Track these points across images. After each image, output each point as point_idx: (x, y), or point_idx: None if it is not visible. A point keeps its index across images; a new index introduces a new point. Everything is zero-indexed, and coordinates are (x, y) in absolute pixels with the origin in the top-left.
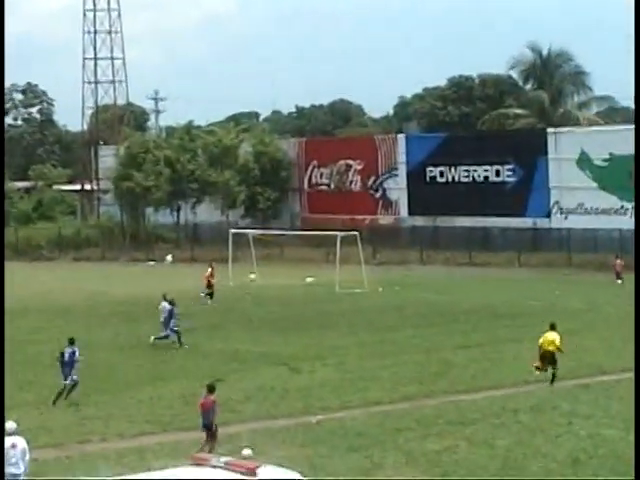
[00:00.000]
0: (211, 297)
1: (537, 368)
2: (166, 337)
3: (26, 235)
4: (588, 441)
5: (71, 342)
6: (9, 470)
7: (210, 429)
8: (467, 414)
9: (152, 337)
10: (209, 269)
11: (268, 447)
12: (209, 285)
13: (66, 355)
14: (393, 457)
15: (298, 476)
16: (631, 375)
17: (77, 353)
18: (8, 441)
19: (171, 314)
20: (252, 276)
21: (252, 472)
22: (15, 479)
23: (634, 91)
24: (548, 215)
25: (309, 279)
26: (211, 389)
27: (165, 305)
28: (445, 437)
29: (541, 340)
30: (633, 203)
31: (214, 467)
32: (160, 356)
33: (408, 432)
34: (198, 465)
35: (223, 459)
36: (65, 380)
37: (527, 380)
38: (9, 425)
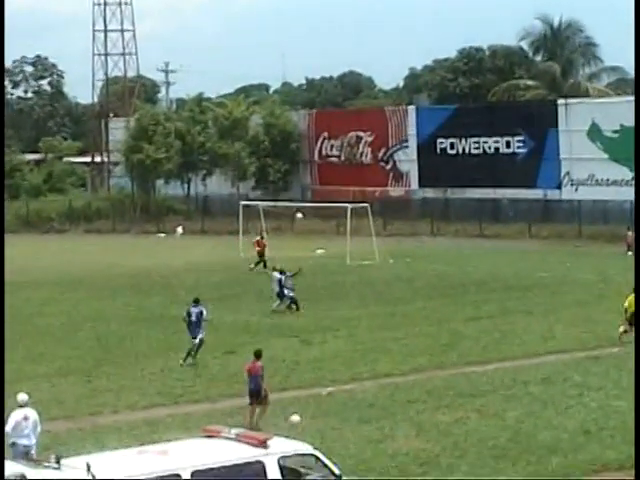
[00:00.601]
0: (265, 266)
1: (624, 332)
2: (286, 302)
3: (37, 207)
4: (599, 412)
5: (196, 302)
6: (21, 442)
7: (259, 394)
8: (478, 386)
9: (273, 305)
10: (258, 238)
11: (279, 419)
12: (261, 254)
13: (193, 315)
14: (404, 428)
15: (309, 448)
16: None
17: (204, 312)
18: (20, 413)
19: (280, 282)
20: (319, 251)
21: (263, 444)
22: (27, 451)
23: (634, 70)
24: (559, 186)
25: (320, 251)
26: (258, 355)
27: (275, 274)
28: (456, 409)
29: (626, 303)
30: None
31: (226, 439)
32: (171, 328)
33: (419, 404)
34: (210, 437)
35: (234, 431)
36: (194, 339)
37: (538, 352)
38: (21, 397)
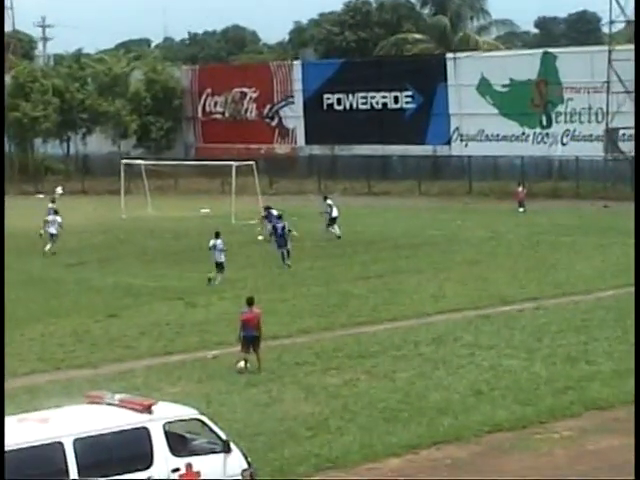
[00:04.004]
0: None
1: None
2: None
3: None
4: (490, 372)
5: (279, 217)
6: None
7: (259, 341)
8: (367, 347)
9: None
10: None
11: (163, 384)
12: None
13: (279, 229)
14: (292, 391)
15: (195, 413)
16: (533, 305)
17: (287, 226)
18: None
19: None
20: (204, 211)
21: (147, 409)
22: None
23: (634, 62)
24: (448, 142)
25: (204, 211)
26: (251, 302)
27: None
28: (345, 371)
29: None
30: (534, 130)
31: (109, 405)
32: (51, 292)
33: (307, 366)
34: (92, 403)
35: (117, 396)
36: (280, 249)
37: (428, 311)
38: None
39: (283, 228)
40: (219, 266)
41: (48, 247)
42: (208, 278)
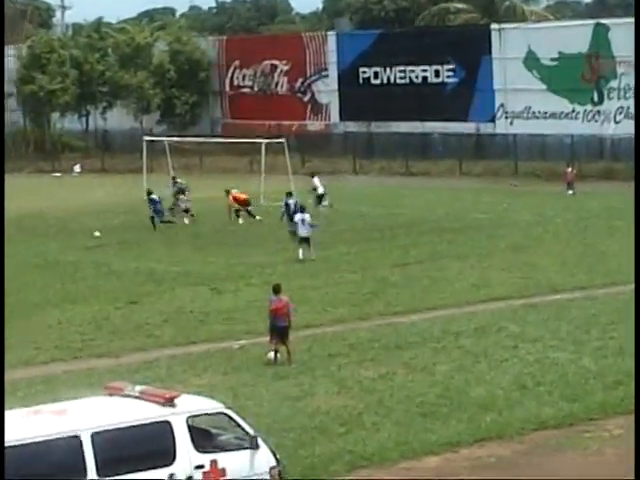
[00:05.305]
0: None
1: None
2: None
3: None
4: (536, 366)
5: (290, 194)
6: None
7: (288, 332)
8: (405, 338)
9: None
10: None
11: (188, 375)
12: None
13: (291, 205)
14: (324, 385)
15: (220, 406)
16: (582, 294)
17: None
18: None
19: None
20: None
21: (170, 402)
22: None
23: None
24: (492, 120)
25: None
26: (278, 289)
27: None
28: (381, 363)
29: None
30: (585, 107)
31: (129, 397)
32: (68, 276)
33: (340, 358)
34: (112, 395)
35: (138, 388)
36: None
37: (470, 300)
38: None
39: (295, 204)
40: (305, 240)
41: (187, 220)
42: (311, 259)
